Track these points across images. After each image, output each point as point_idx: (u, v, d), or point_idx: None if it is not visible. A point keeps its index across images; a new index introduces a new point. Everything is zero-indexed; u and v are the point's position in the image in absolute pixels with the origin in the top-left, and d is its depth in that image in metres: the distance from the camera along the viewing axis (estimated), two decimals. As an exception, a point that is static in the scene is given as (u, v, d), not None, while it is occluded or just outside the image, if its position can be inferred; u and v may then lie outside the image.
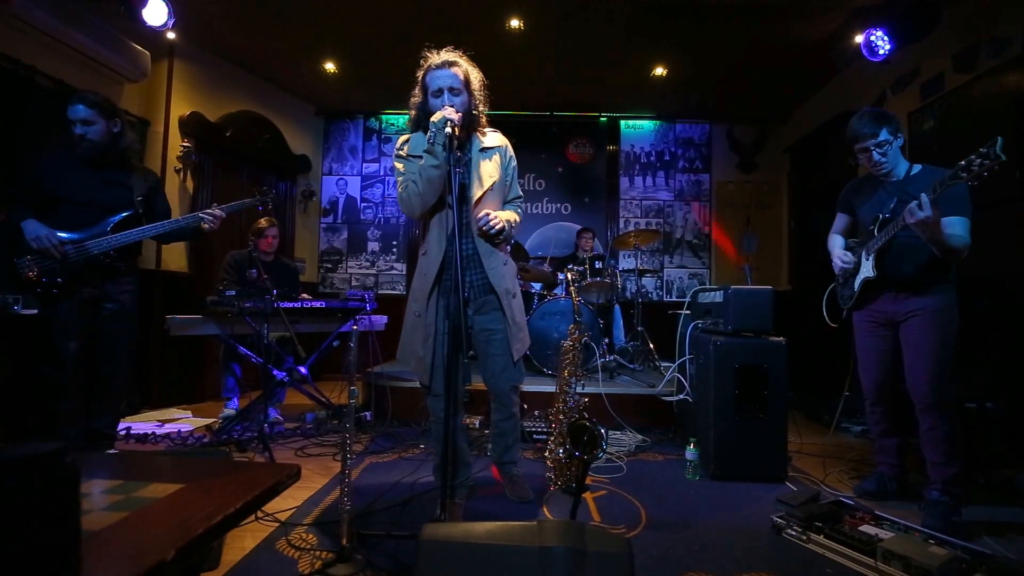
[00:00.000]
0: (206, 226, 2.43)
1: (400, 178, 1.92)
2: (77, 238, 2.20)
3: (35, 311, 2.15)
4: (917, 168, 2.07)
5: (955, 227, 1.88)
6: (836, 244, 2.31)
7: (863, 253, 2.11)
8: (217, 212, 2.46)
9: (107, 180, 2.31)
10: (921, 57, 3.42)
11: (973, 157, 1.66)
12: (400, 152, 1.95)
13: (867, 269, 2.08)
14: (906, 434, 2.18)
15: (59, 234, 2.16)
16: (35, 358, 2.45)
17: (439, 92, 1.86)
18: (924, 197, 1.76)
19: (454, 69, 1.87)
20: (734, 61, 4.25)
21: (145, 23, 3.16)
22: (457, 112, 1.78)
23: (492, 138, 2.03)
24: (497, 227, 1.86)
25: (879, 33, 3.27)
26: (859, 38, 3.40)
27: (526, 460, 2.67)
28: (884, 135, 2.01)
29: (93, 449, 2.36)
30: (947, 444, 1.95)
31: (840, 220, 2.35)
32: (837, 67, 4.22)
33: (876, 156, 2.04)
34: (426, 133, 1.83)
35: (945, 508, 1.91)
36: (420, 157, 1.85)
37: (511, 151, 2.08)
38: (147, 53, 3.70)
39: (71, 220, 2.22)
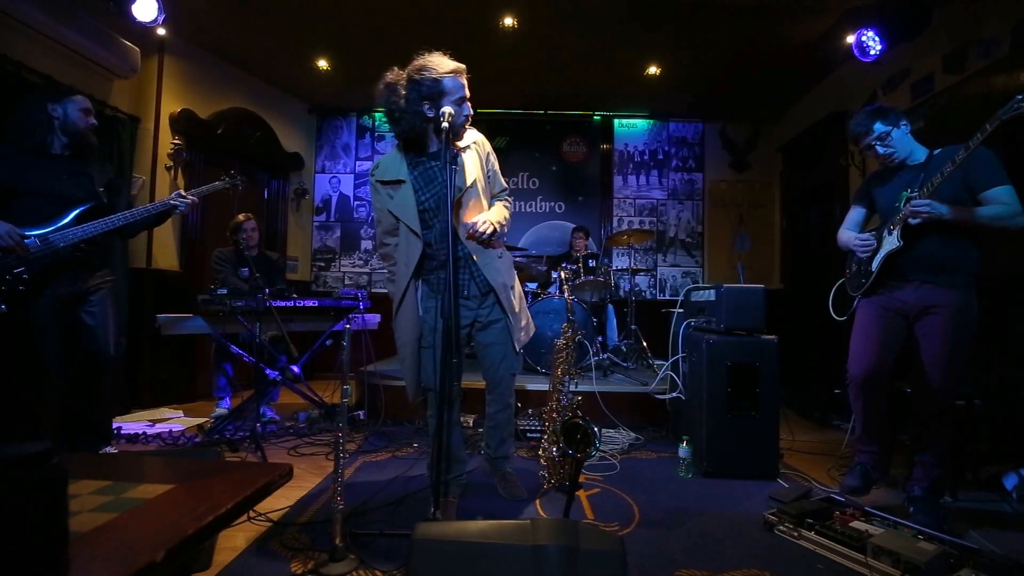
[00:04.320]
0: (178, 211, 2.41)
1: (376, 214, 1.95)
2: (41, 232, 2.07)
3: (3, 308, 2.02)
4: (938, 151, 1.98)
5: (1000, 197, 1.79)
6: (850, 234, 2.17)
7: (885, 230, 1.99)
8: (190, 198, 2.41)
9: (67, 170, 2.21)
10: (912, 57, 3.45)
11: (1000, 110, 1.61)
12: (376, 178, 1.94)
13: (891, 242, 1.94)
14: (891, 424, 2.12)
15: (21, 230, 2.03)
16: (9, 359, 2.29)
17: (463, 100, 1.84)
18: (920, 198, 1.77)
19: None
20: (727, 60, 4.27)
21: (135, 19, 3.12)
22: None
23: (465, 137, 1.98)
24: (488, 232, 1.85)
25: (870, 33, 3.30)
26: (850, 38, 3.42)
27: (520, 458, 2.67)
28: (879, 128, 1.98)
29: (90, 448, 2.31)
30: (944, 447, 1.94)
31: (854, 214, 2.21)
32: (829, 67, 4.25)
33: (880, 149, 2.01)
34: (413, 135, 1.85)
35: (931, 503, 1.94)
36: (395, 183, 1.86)
37: (487, 145, 2.04)
38: (137, 49, 3.65)
39: (30, 214, 2.08)
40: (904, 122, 2.00)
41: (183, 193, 2.40)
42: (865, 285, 2.06)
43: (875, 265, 2.01)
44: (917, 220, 1.81)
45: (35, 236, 2.06)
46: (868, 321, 2.07)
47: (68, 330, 2.22)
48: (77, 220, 2.16)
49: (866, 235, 2.07)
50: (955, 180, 1.82)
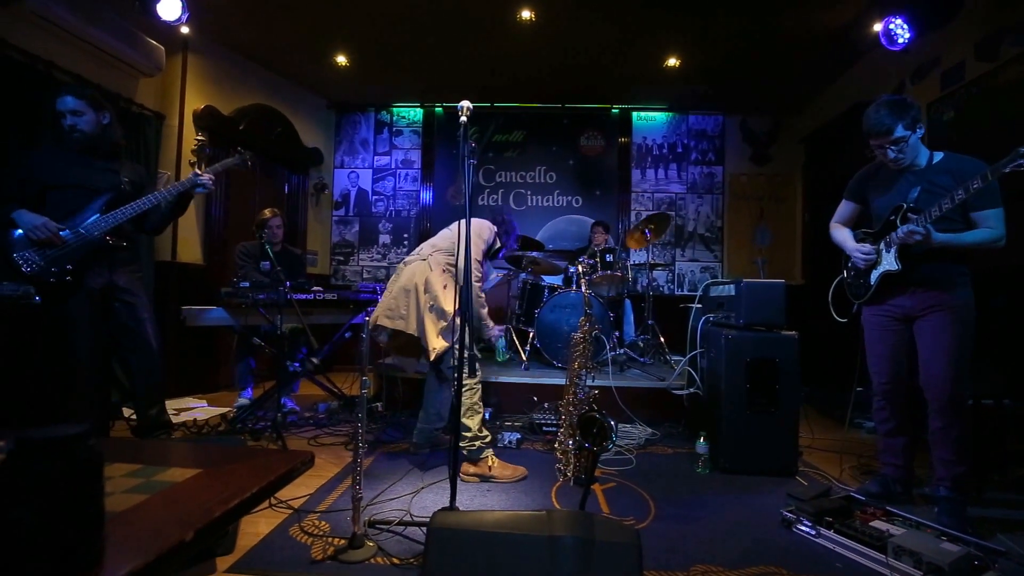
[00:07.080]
0: (201, 190, 2.40)
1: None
2: (72, 223, 2.16)
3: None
4: (939, 156, 1.96)
5: (988, 220, 1.84)
6: (846, 236, 2.19)
7: (882, 245, 2.00)
8: (206, 176, 2.39)
9: (99, 168, 2.30)
10: (941, 46, 3.33)
11: (1002, 161, 1.64)
12: None
13: (889, 262, 1.97)
14: (915, 432, 2.10)
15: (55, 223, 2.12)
16: (44, 353, 2.36)
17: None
18: (917, 226, 1.82)
19: None
20: (748, 50, 4.18)
21: (159, 18, 3.20)
22: None
23: None
24: None
25: (898, 21, 3.20)
26: (877, 26, 3.32)
27: (536, 451, 2.69)
28: (900, 131, 1.88)
29: (155, 439, 2.38)
30: (960, 442, 1.91)
31: (845, 208, 2.23)
32: (855, 56, 4.13)
33: (892, 154, 1.94)
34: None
35: (956, 504, 1.89)
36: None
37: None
38: (161, 47, 3.73)
39: (61, 207, 2.17)
40: (921, 125, 1.93)
41: (199, 172, 2.39)
42: (865, 297, 2.11)
43: (873, 280, 2.05)
44: (910, 241, 1.86)
45: (68, 228, 2.15)
46: (876, 334, 2.13)
47: (102, 324, 2.29)
48: (102, 210, 2.23)
49: (868, 248, 2.07)
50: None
